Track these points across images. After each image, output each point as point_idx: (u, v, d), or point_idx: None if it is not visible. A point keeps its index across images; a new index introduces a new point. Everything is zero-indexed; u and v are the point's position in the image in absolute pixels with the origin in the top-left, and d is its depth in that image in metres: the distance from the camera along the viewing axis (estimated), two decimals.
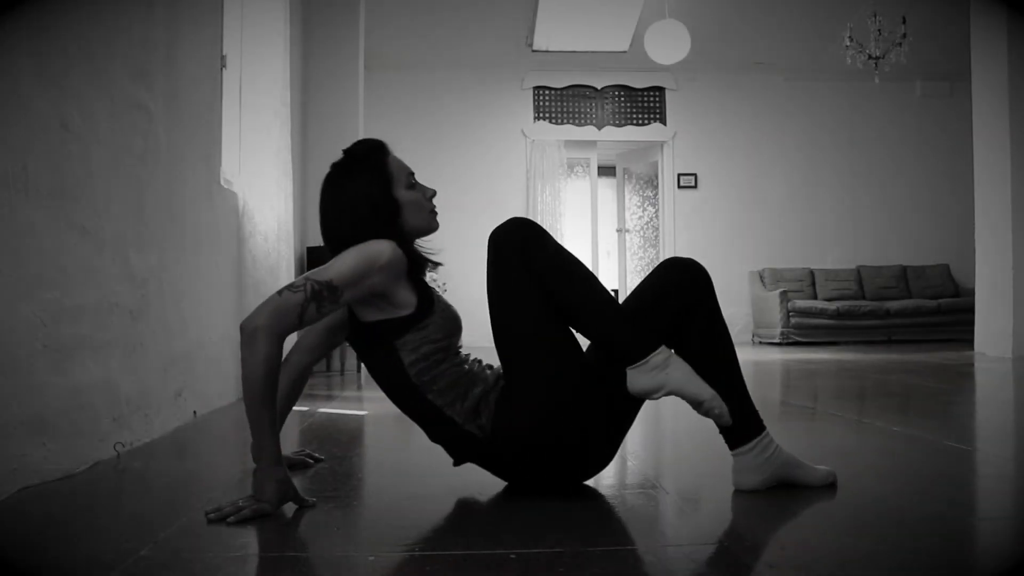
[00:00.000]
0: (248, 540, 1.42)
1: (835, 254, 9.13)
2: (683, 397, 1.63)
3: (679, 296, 1.75)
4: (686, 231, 9.03)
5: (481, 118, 8.92)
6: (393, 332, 1.69)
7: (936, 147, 9.23)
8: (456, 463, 1.78)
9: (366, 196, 1.72)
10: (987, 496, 1.85)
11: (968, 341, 6.94)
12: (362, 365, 1.74)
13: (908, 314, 8.42)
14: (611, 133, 9.13)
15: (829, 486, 1.75)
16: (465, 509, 1.66)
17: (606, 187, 10.49)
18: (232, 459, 2.28)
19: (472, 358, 1.79)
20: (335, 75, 5.66)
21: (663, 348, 1.64)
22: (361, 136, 5.55)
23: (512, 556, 1.29)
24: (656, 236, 9.41)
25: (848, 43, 7.30)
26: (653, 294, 1.77)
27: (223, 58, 3.65)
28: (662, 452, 2.51)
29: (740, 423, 1.73)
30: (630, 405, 1.76)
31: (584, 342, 1.77)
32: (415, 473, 2.01)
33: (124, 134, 2.37)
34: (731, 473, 1.75)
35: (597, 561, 1.28)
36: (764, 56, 8.90)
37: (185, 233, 2.93)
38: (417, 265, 1.77)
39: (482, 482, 1.80)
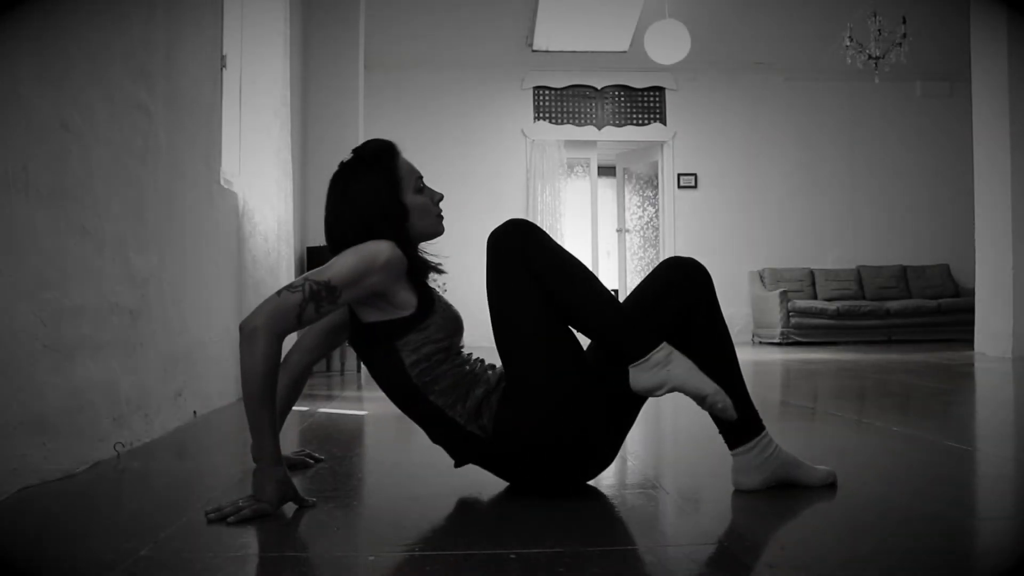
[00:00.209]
0: (248, 540, 1.42)
1: (835, 254, 9.13)
2: (686, 393, 1.62)
3: (679, 296, 1.76)
4: (686, 231, 9.03)
5: (481, 118, 8.92)
6: (394, 333, 1.69)
7: (936, 147, 9.23)
8: (457, 464, 1.78)
9: (374, 199, 1.72)
10: (987, 496, 1.85)
11: (968, 341, 6.93)
12: (362, 365, 1.74)
13: (908, 314, 8.42)
14: (611, 133, 9.13)
15: (829, 486, 1.75)
16: (465, 509, 1.66)
17: (606, 187, 10.49)
18: (232, 459, 2.28)
19: (474, 358, 1.79)
20: (335, 75, 5.66)
21: (664, 345, 1.64)
22: (361, 136, 5.56)
23: (512, 556, 1.29)
24: (656, 236, 9.41)
25: (848, 43, 7.30)
26: (653, 294, 1.77)
27: (223, 58, 3.65)
28: (662, 452, 2.51)
29: (740, 423, 1.73)
30: (631, 405, 1.76)
31: (585, 342, 1.77)
32: (415, 473, 2.01)
33: (124, 134, 2.37)
34: (731, 473, 1.75)
35: (597, 561, 1.28)
36: (764, 56, 8.90)
37: (185, 233, 2.93)
38: (418, 267, 1.77)
39: (483, 482, 1.80)
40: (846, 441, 2.52)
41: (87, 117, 2.12)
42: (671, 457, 2.43)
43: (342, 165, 1.78)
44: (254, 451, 1.61)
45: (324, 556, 1.34)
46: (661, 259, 6.68)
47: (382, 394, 1.80)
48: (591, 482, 1.82)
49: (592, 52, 8.74)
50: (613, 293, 11.20)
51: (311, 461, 2.06)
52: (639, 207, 9.73)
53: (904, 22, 7.20)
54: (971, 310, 6.83)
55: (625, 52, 8.68)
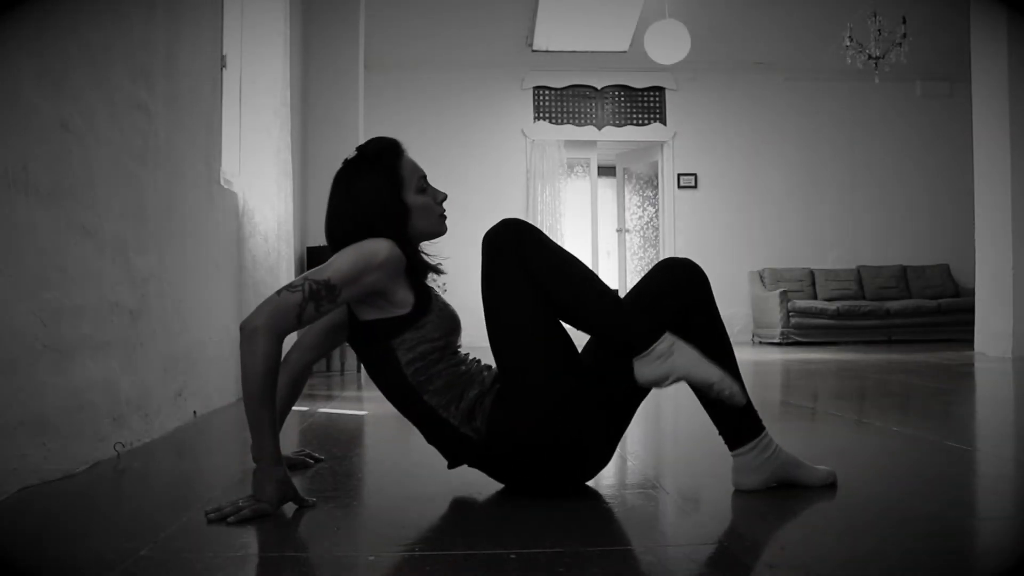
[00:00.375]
0: (248, 540, 1.42)
1: (835, 254, 9.13)
2: (692, 382, 1.62)
3: (676, 296, 1.75)
4: (686, 231, 9.03)
5: (481, 118, 8.92)
6: (390, 331, 1.69)
7: (936, 147, 9.23)
8: (451, 466, 1.78)
9: (375, 198, 1.72)
10: (987, 496, 1.85)
11: (968, 341, 6.93)
12: (362, 365, 1.74)
13: (908, 314, 8.42)
14: (611, 133, 9.13)
15: (829, 486, 1.75)
16: (465, 509, 1.66)
17: (606, 187, 10.49)
18: (232, 459, 2.28)
19: (471, 358, 1.79)
20: (335, 75, 5.66)
21: (666, 335, 1.63)
22: (361, 136, 5.56)
23: (512, 556, 1.29)
24: (656, 236, 9.41)
25: (848, 43, 7.30)
26: (650, 295, 1.76)
27: (223, 58, 3.65)
28: (662, 452, 2.51)
29: (740, 424, 1.73)
30: (627, 406, 1.76)
31: (580, 342, 1.77)
32: (415, 473, 2.01)
33: (124, 134, 2.37)
34: (731, 473, 1.75)
35: (597, 561, 1.28)
36: (764, 56, 8.90)
37: (185, 233, 2.93)
38: (417, 267, 1.77)
39: (482, 482, 1.80)
40: (846, 441, 2.52)
41: (87, 117, 2.12)
42: (671, 457, 2.43)
43: (346, 163, 1.78)
44: (254, 451, 1.61)
45: (324, 556, 1.34)
46: (661, 259, 6.69)
47: (382, 394, 1.80)
48: (591, 482, 1.82)
49: (592, 52, 8.74)
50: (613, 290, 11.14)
51: (311, 461, 2.06)
52: (639, 207, 9.74)
53: (904, 22, 7.20)
54: (971, 310, 6.83)
55: (625, 52, 8.69)
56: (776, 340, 8.25)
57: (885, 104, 9.20)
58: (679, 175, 9.11)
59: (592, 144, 9.25)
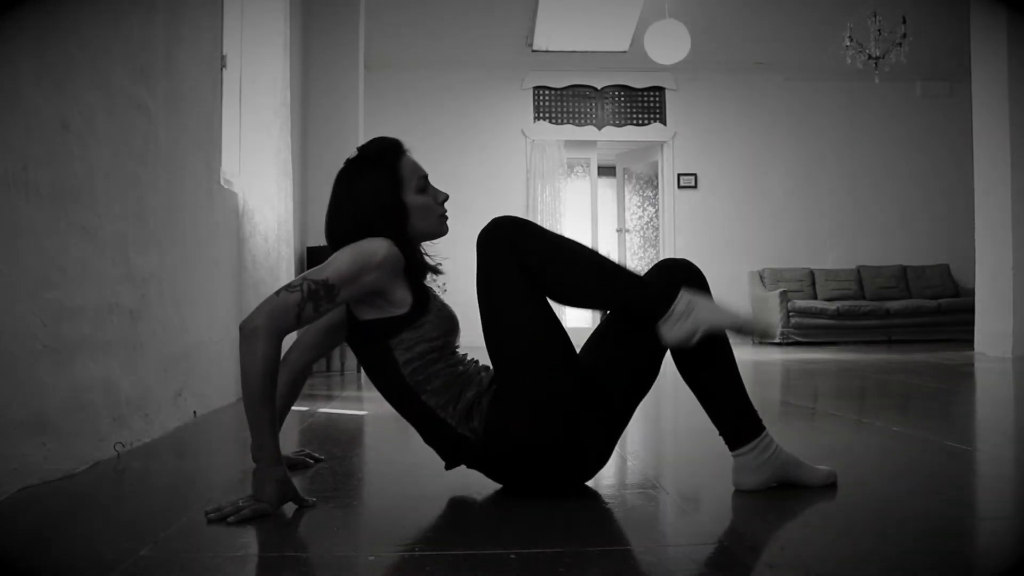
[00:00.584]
0: (248, 540, 1.42)
1: (835, 254, 9.13)
2: (720, 331, 1.63)
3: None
4: (686, 231, 9.03)
5: (481, 118, 8.92)
6: (389, 330, 1.69)
7: (936, 147, 9.22)
8: (448, 467, 1.78)
9: (374, 198, 1.72)
10: (987, 496, 1.85)
11: (968, 341, 6.93)
12: (361, 365, 1.74)
13: (908, 314, 8.42)
14: (611, 133, 9.13)
15: (829, 486, 1.75)
16: (465, 509, 1.66)
17: (606, 187, 10.48)
18: (232, 459, 2.28)
19: (469, 359, 1.79)
20: (335, 75, 5.66)
21: (682, 293, 1.65)
22: (361, 136, 5.56)
23: (512, 556, 1.29)
24: (656, 236, 9.41)
25: (848, 43, 7.30)
26: None
27: (223, 58, 3.65)
28: (662, 452, 2.51)
29: (740, 424, 1.73)
30: (626, 404, 1.76)
31: (580, 343, 1.77)
32: (415, 473, 2.01)
33: (124, 134, 2.37)
34: (731, 473, 1.75)
35: (597, 561, 1.28)
36: (764, 56, 8.90)
37: (185, 233, 2.93)
38: (416, 266, 1.77)
39: (482, 482, 1.80)
40: (846, 441, 2.52)
41: (87, 117, 2.12)
42: (671, 457, 2.43)
43: (347, 162, 1.78)
44: (254, 451, 1.61)
45: (324, 556, 1.34)
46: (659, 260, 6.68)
47: (381, 394, 1.80)
48: (590, 482, 1.82)
49: (592, 52, 8.74)
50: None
51: (311, 461, 2.06)
52: (639, 207, 9.73)
53: (904, 22, 7.19)
54: (971, 310, 6.82)
55: (625, 52, 8.68)
56: (776, 340, 8.25)
57: (885, 104, 9.20)
58: (679, 175, 9.11)
59: (592, 144, 9.24)
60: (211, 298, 3.24)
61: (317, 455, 2.12)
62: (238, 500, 1.54)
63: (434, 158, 8.38)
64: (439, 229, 1.81)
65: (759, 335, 1.63)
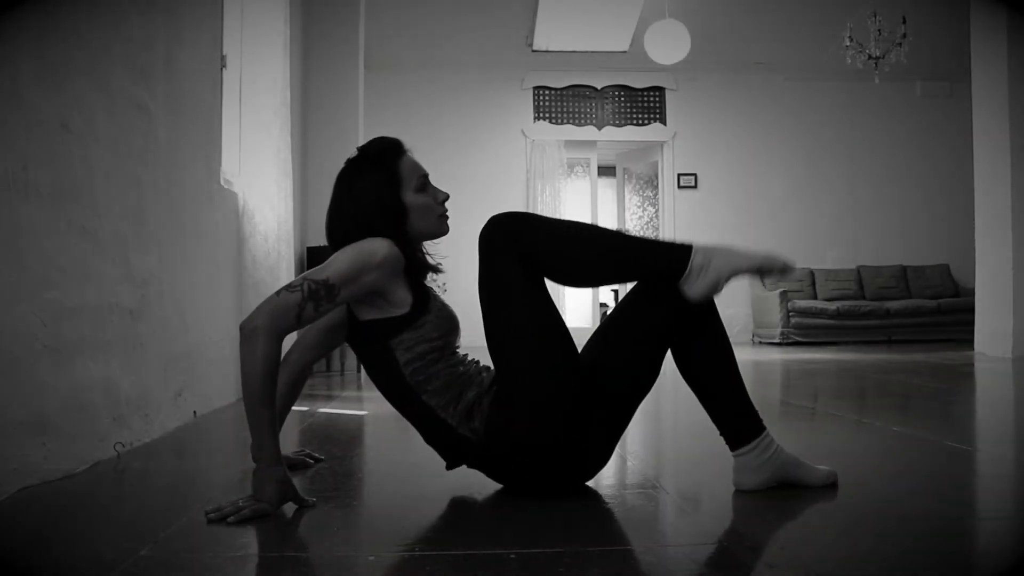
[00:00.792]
0: (248, 540, 1.42)
1: (835, 254, 9.13)
2: (742, 275, 1.63)
3: (675, 297, 1.75)
4: (686, 231, 9.02)
5: (481, 118, 8.92)
6: (389, 330, 1.69)
7: (936, 147, 9.22)
8: (449, 467, 1.78)
9: (374, 197, 1.72)
10: (987, 496, 1.85)
11: (968, 341, 6.93)
12: (361, 365, 1.74)
13: (908, 314, 8.42)
14: (611, 133, 9.13)
15: (829, 486, 1.75)
16: (465, 509, 1.66)
17: (606, 187, 10.49)
18: (232, 459, 2.28)
19: (470, 359, 1.79)
20: (335, 75, 5.66)
21: (695, 247, 1.65)
22: (361, 136, 5.56)
23: (512, 556, 1.29)
24: (656, 236, 9.41)
25: (848, 43, 7.30)
26: (648, 296, 1.76)
27: (223, 58, 3.65)
28: (662, 452, 2.51)
29: (740, 424, 1.73)
30: (627, 404, 1.76)
31: (581, 342, 1.77)
32: (415, 473, 2.01)
33: (124, 134, 2.37)
34: (732, 473, 1.75)
35: (597, 561, 1.28)
36: (764, 56, 8.90)
37: (185, 233, 2.93)
38: (416, 266, 1.77)
39: (482, 482, 1.80)
40: (846, 441, 2.52)
41: (87, 117, 2.12)
42: (671, 457, 2.43)
43: (348, 162, 1.78)
44: (254, 451, 1.61)
45: (324, 556, 1.34)
46: None
47: (381, 394, 1.80)
48: (590, 482, 1.82)
49: (592, 52, 8.74)
50: (612, 293, 11.00)
51: (311, 461, 2.06)
52: (639, 207, 9.74)
53: (904, 22, 7.20)
54: (971, 310, 6.82)
55: (625, 52, 8.68)
56: (776, 340, 8.25)
57: (885, 104, 9.20)
58: (679, 175, 9.11)
59: (592, 144, 9.25)
60: (211, 298, 3.24)
61: (317, 455, 2.12)
62: (238, 500, 1.54)
63: (434, 158, 8.37)
64: (439, 229, 1.81)
65: (779, 272, 1.62)
